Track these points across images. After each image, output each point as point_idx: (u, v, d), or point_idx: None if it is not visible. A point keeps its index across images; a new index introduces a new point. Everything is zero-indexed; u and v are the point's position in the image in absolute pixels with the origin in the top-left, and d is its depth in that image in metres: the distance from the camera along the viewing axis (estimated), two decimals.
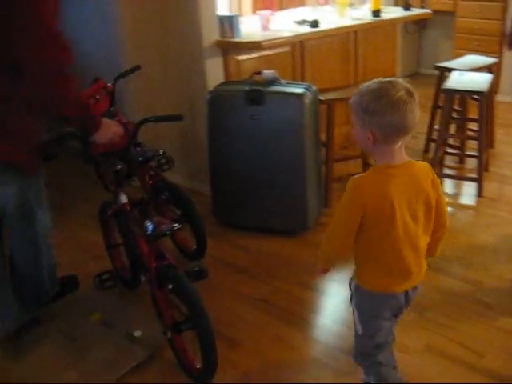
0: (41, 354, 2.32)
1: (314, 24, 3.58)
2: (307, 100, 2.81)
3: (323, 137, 3.22)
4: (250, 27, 3.54)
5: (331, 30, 3.68)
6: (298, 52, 3.67)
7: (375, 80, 1.55)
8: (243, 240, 3.08)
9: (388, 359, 1.84)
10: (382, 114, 1.50)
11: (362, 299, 1.77)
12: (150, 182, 2.66)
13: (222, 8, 3.69)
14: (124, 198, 2.34)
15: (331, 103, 3.19)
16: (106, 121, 2.13)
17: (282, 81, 2.95)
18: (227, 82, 3.11)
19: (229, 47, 3.27)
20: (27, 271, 2.44)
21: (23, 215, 2.26)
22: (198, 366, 2.08)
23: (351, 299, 1.83)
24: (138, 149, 2.53)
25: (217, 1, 3.21)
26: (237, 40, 3.21)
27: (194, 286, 2.01)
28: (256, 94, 2.83)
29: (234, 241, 3.09)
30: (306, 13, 4.17)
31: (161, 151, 2.66)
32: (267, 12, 3.59)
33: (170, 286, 2.04)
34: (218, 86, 3.02)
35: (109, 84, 2.56)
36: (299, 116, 2.80)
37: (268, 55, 3.47)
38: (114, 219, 2.51)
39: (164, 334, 2.12)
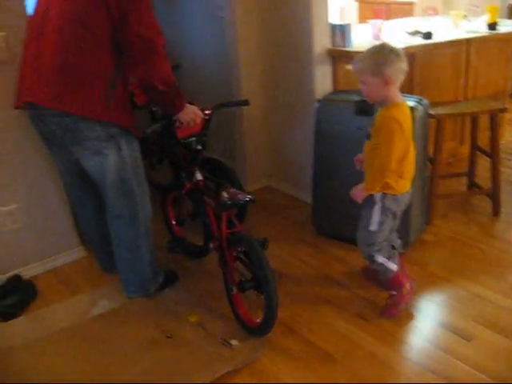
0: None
1: (427, 35, 3.48)
2: (418, 114, 2.73)
3: (430, 151, 3.13)
4: (360, 36, 3.50)
5: (445, 42, 3.57)
6: (408, 63, 3.56)
7: (369, 48, 2.23)
8: (342, 252, 3.04)
9: (394, 241, 2.58)
10: (396, 62, 2.15)
11: (390, 203, 2.36)
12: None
13: (332, 17, 3.68)
14: (199, 175, 2.65)
15: (441, 118, 3.08)
16: (190, 106, 2.45)
17: None
18: (336, 92, 3.09)
19: (339, 56, 3.24)
20: (126, 251, 2.55)
21: (122, 188, 2.40)
22: (257, 321, 2.36)
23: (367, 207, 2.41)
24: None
25: (329, 10, 3.20)
26: (348, 49, 3.18)
27: (262, 250, 2.30)
28: (365, 105, 2.77)
29: (333, 252, 3.05)
30: (417, 23, 4.07)
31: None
32: (379, 21, 3.53)
33: (242, 249, 2.38)
34: (327, 94, 3.00)
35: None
36: None
37: None
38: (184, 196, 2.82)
39: (230, 290, 2.42)
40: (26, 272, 2.93)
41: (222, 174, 3.03)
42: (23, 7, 2.58)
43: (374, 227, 2.42)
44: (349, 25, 3.21)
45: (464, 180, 3.65)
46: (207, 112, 2.63)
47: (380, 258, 2.47)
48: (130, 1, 2.10)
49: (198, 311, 2.57)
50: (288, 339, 2.39)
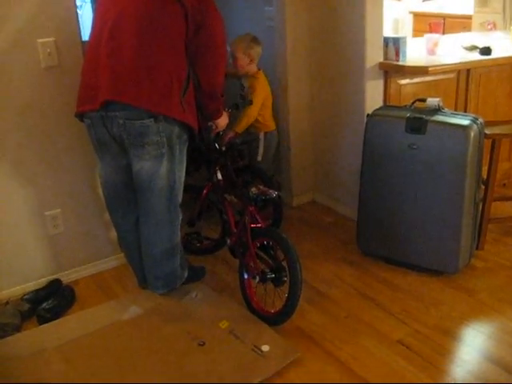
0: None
1: (486, 51, 3.34)
2: (473, 133, 2.60)
3: (483, 173, 2.98)
4: (414, 50, 3.38)
5: (504, 58, 3.41)
6: (464, 80, 3.45)
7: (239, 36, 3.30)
8: (386, 273, 2.92)
9: None
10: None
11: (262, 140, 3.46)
12: None
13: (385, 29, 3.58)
14: (220, 175, 2.85)
15: (497, 138, 2.93)
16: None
17: (447, 110, 2.76)
18: (387, 107, 2.99)
19: (392, 70, 3.14)
20: (160, 253, 2.57)
21: (168, 194, 2.47)
22: (271, 311, 2.50)
23: None
24: None
25: (383, 22, 3.10)
26: (401, 63, 3.07)
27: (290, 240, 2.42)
28: (418, 122, 2.67)
29: (377, 273, 2.94)
30: (475, 38, 3.92)
31: None
32: (435, 35, 3.41)
33: (265, 242, 2.53)
34: (378, 109, 2.90)
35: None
36: (463, 150, 2.60)
37: (430, 81, 3.30)
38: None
39: (253, 279, 2.53)
40: (67, 277, 2.93)
41: (260, 182, 3.12)
42: (72, 13, 2.61)
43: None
44: (404, 38, 3.10)
45: None
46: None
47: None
48: (207, 10, 2.27)
49: (227, 315, 2.55)
50: (322, 361, 2.30)
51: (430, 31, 3.84)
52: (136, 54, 2.22)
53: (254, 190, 2.52)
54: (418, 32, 6.15)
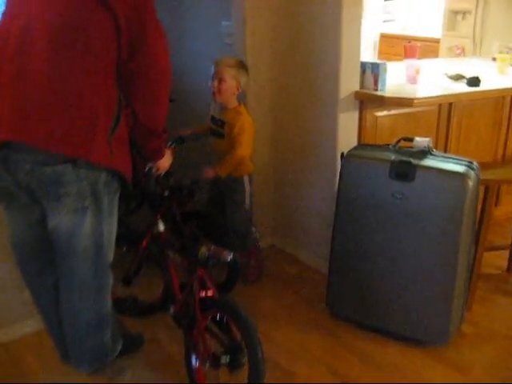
0: None
1: (474, 82, 2.93)
2: (471, 182, 2.17)
3: None
4: (390, 77, 2.93)
5: (494, 91, 3.02)
6: (446, 112, 3.05)
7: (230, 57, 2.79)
8: (361, 343, 2.44)
9: None
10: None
11: (247, 185, 2.88)
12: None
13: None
14: (162, 226, 2.33)
15: (492, 185, 2.52)
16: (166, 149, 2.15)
17: (437, 152, 2.33)
18: (364, 146, 2.51)
19: (369, 100, 2.69)
20: (86, 325, 2.07)
21: (94, 256, 1.96)
22: None
23: None
24: None
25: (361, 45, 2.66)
26: (381, 93, 2.63)
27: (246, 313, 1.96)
28: (404, 167, 2.22)
29: (350, 342, 2.46)
30: (454, 65, 3.54)
31: None
32: (417, 62, 2.99)
33: (217, 316, 2.04)
34: (355, 149, 2.43)
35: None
36: (459, 201, 2.16)
37: (409, 113, 2.88)
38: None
39: (202, 364, 2.04)
40: None
41: (212, 231, 2.68)
42: None
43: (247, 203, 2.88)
44: (384, 64, 2.66)
45: (505, 253, 3.07)
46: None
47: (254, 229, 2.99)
48: (146, 22, 1.74)
49: None
50: None
51: (406, 56, 3.43)
52: (48, 78, 1.67)
53: (203, 250, 2.05)
54: (384, 55, 5.80)
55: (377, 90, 2.65)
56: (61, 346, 2.21)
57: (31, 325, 2.49)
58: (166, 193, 2.36)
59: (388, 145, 2.41)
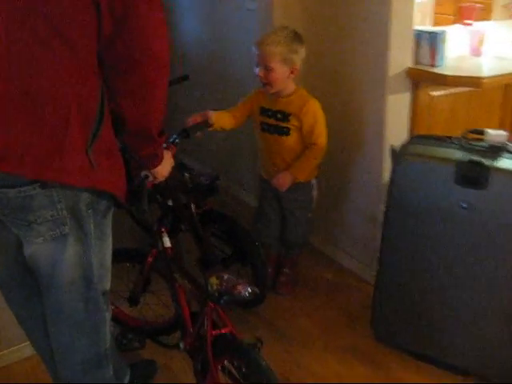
0: None
1: None
2: None
3: None
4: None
5: None
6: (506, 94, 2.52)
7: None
8: (415, 377, 2.02)
9: None
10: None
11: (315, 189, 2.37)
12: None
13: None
14: (168, 241, 1.90)
15: None
16: (165, 152, 1.63)
17: None
18: (420, 139, 2.01)
19: (424, 79, 2.19)
20: (82, 364, 1.70)
21: (82, 290, 1.57)
22: None
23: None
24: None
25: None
26: (440, 71, 2.12)
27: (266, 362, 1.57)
28: (475, 170, 1.75)
29: (399, 375, 2.04)
30: None
31: None
32: (480, 29, 2.46)
33: (235, 362, 1.68)
34: (409, 144, 1.95)
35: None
36: None
37: (472, 92, 2.36)
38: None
39: None
40: None
41: (236, 240, 2.30)
42: None
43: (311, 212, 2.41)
44: (443, 33, 2.15)
45: None
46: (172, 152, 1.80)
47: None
48: None
49: None
50: None
51: (462, 19, 2.89)
52: (5, 79, 1.24)
53: (214, 282, 1.62)
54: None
55: (434, 65, 2.16)
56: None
57: (27, 348, 2.15)
58: (170, 202, 1.95)
59: (450, 137, 1.93)
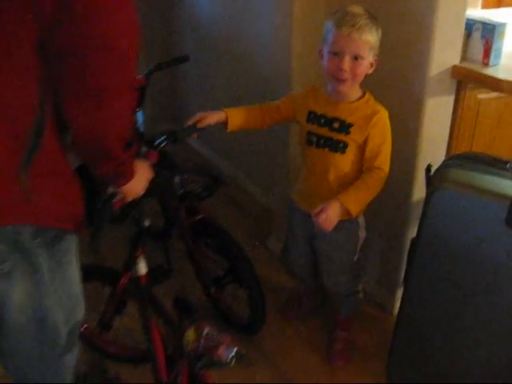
0: None
1: None
2: None
3: None
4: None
5: None
6: None
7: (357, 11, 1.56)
8: None
9: None
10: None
11: (363, 228, 1.81)
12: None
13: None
14: (143, 268, 1.58)
15: None
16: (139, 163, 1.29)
17: None
18: (463, 157, 1.60)
19: (471, 81, 1.78)
20: None
21: (37, 333, 1.32)
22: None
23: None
24: None
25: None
26: (493, 73, 1.71)
27: None
28: None
29: None
30: None
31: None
32: None
33: None
34: (448, 167, 1.55)
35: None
36: None
37: None
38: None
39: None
40: None
41: (227, 251, 1.98)
42: None
43: (356, 257, 1.86)
44: (502, 26, 1.72)
45: None
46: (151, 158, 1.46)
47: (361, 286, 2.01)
48: None
49: None
50: None
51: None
52: None
53: (191, 337, 1.30)
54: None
55: (487, 64, 1.74)
56: None
57: None
58: (147, 222, 1.60)
59: (502, 160, 1.53)
